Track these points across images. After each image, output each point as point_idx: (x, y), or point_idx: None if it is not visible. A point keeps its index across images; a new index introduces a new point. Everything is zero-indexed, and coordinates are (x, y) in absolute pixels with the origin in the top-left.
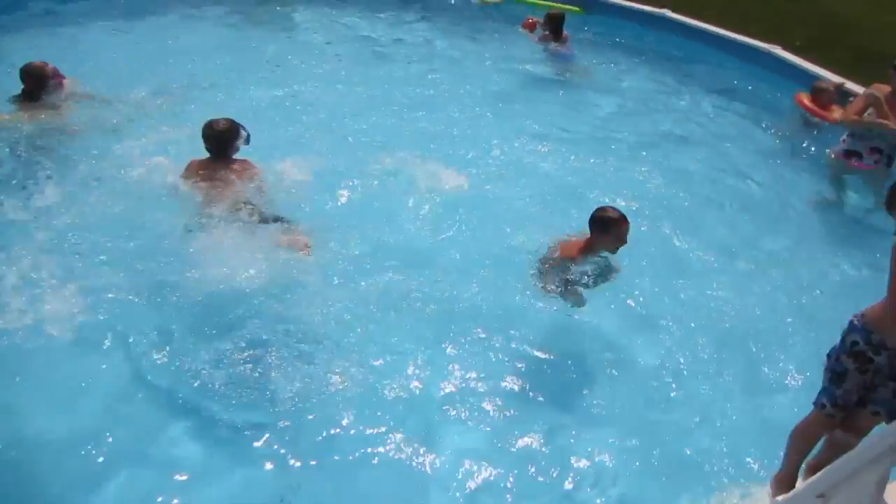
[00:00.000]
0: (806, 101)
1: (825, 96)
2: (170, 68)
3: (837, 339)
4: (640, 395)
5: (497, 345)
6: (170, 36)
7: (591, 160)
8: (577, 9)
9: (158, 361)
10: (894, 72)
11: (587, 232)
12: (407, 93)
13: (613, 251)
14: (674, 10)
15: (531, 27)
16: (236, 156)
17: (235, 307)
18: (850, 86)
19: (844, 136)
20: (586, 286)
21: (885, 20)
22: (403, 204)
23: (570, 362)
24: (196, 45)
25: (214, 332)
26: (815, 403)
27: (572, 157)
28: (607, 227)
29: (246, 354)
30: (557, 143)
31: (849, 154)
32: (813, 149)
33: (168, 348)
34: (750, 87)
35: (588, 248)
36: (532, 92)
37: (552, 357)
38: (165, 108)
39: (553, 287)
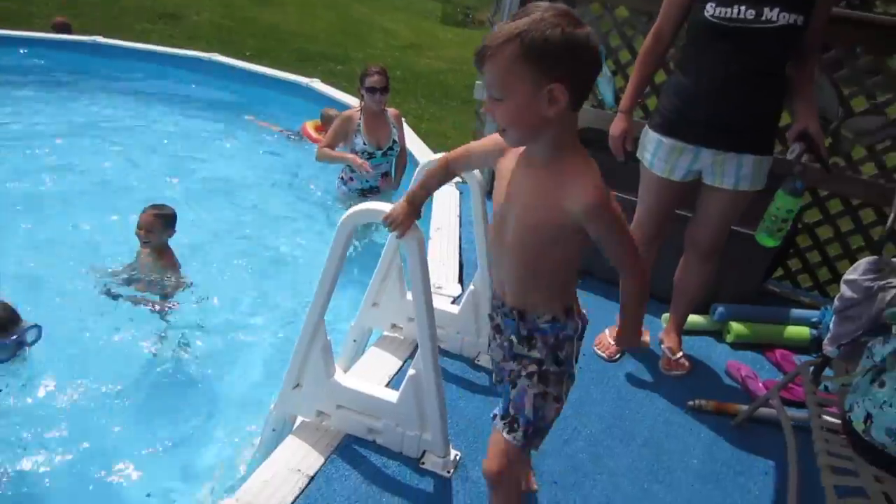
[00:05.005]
0: (311, 130)
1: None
2: None
3: None
4: None
5: None
6: None
7: None
8: None
9: None
10: (367, 92)
11: None
12: None
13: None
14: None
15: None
16: None
17: None
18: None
19: (346, 172)
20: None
21: (316, 27)
22: None
23: None
24: None
25: None
26: None
27: None
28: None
29: None
30: None
31: (365, 192)
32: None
33: None
34: (204, 95)
35: None
36: None
37: None
38: None
39: None
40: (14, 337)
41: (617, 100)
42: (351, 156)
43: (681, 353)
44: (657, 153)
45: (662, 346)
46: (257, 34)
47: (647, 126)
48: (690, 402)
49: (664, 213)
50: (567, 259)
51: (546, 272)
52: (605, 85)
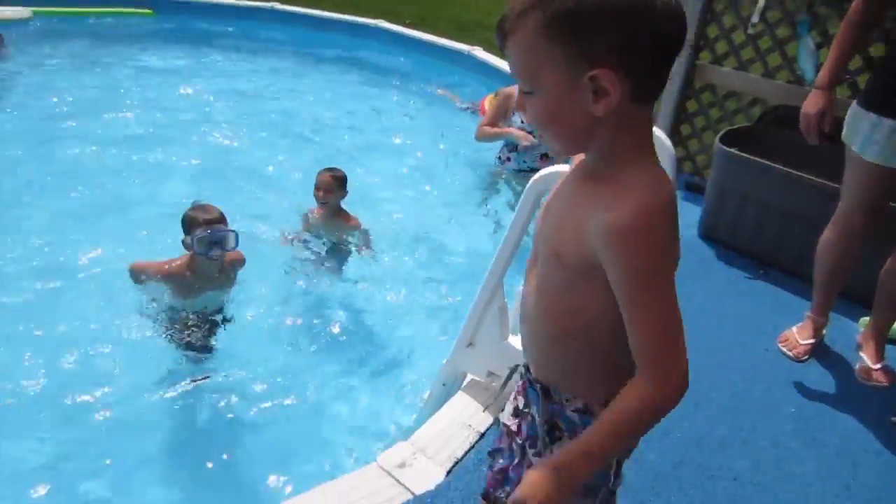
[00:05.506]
0: (487, 107)
1: None
2: None
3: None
4: None
5: None
6: None
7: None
8: (147, 11)
9: None
10: None
11: None
12: None
13: None
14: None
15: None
16: None
17: None
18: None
19: (504, 152)
20: None
21: None
22: None
23: None
24: None
25: None
26: None
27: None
28: None
29: None
30: None
31: (523, 173)
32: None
33: None
34: (373, 61)
35: None
36: None
37: None
38: None
39: None
40: (210, 232)
41: None
42: (511, 129)
43: (881, 365)
44: (871, 136)
45: (860, 352)
46: (415, 2)
47: (855, 104)
48: (894, 418)
49: (875, 206)
50: (612, 316)
51: (575, 333)
52: (806, 59)
